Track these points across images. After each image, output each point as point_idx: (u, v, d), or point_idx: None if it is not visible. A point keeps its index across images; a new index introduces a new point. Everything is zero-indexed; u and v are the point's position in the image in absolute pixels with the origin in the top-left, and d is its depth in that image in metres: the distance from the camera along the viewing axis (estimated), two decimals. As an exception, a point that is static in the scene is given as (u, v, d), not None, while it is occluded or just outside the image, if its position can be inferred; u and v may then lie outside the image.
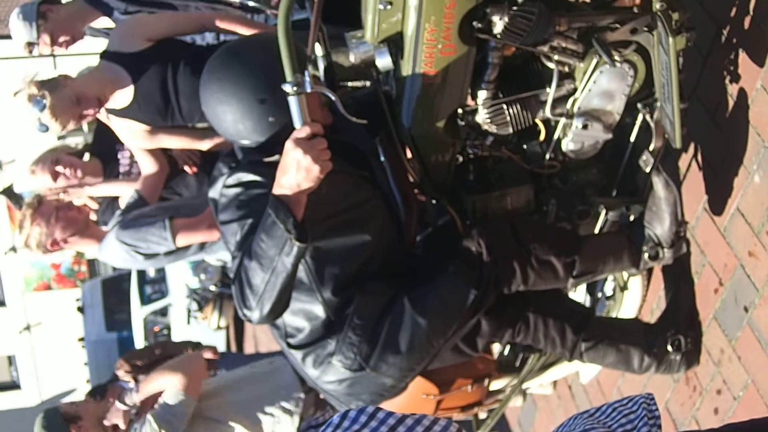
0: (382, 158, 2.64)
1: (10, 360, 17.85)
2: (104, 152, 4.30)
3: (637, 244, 2.70)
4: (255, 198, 2.27)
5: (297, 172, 2.12)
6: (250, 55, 2.33)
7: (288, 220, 2.12)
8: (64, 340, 15.92)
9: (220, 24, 3.66)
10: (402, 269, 2.57)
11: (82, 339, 13.27)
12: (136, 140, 3.67)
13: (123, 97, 3.49)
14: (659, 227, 2.68)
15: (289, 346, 2.51)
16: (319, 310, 2.46)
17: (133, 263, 3.52)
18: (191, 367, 3.26)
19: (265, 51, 2.30)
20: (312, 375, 2.52)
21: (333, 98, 2.18)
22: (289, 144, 2.13)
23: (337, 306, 2.45)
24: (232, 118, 2.31)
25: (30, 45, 3.87)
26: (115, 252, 3.48)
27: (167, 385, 3.17)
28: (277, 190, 2.16)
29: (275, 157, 2.25)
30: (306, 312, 2.45)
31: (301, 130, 2.13)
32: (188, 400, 3.14)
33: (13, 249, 15.62)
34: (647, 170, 2.65)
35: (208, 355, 3.50)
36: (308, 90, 2.10)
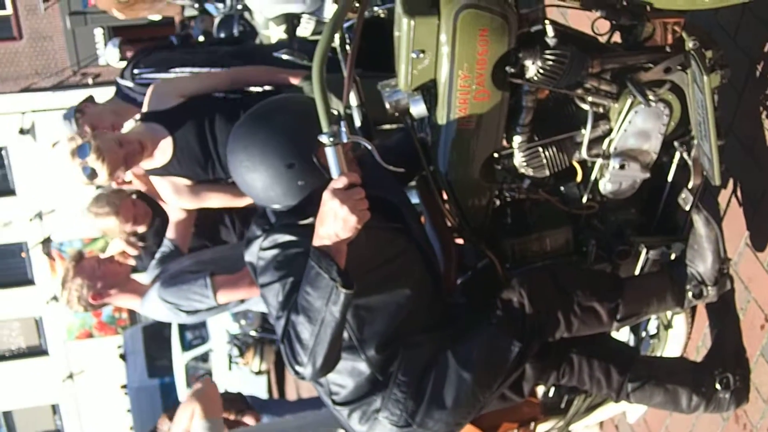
0: (419, 204, 2.65)
1: (54, 409, 17.98)
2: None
3: (679, 283, 2.67)
4: (293, 258, 2.28)
5: (335, 222, 2.13)
6: (274, 120, 2.34)
7: (331, 269, 2.13)
8: (107, 387, 16.03)
9: (250, 78, 3.72)
10: (444, 318, 2.56)
11: (124, 386, 13.36)
12: (180, 198, 3.70)
13: (163, 154, 3.54)
14: (702, 265, 2.65)
15: (334, 403, 2.50)
16: (363, 367, 2.44)
17: (176, 318, 3.55)
18: (202, 392, 3.29)
19: (290, 114, 2.34)
20: (358, 431, 2.51)
21: (370, 148, 2.20)
22: (326, 195, 2.14)
23: (382, 363, 2.44)
24: (262, 185, 2.33)
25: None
26: (157, 309, 3.51)
27: (188, 419, 3.19)
28: (317, 241, 2.17)
29: (309, 220, 2.27)
30: (349, 369, 2.44)
31: (338, 181, 2.14)
32: (214, 423, 3.16)
33: (55, 298, 15.79)
34: (687, 208, 2.63)
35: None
36: (344, 140, 2.12)
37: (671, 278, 2.68)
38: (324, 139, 2.13)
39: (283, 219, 2.39)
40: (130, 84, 3.97)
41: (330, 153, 2.15)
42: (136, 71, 4.04)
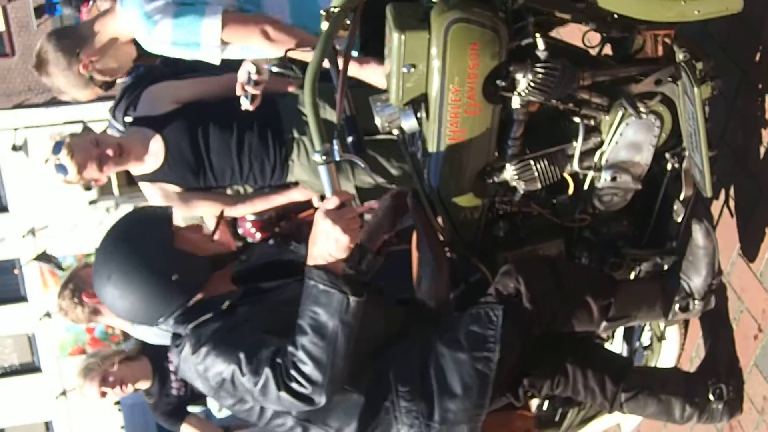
0: (411, 220, 2.65)
1: (48, 426, 17.88)
2: (157, 358, 4.34)
3: (669, 293, 2.67)
4: (226, 335, 2.27)
5: (327, 242, 2.14)
6: (128, 252, 2.36)
7: (338, 282, 2.13)
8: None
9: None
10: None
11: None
12: (169, 204, 3.69)
13: (154, 159, 3.53)
14: (695, 278, 2.64)
15: None
16: (356, 398, 2.38)
17: (165, 339, 3.53)
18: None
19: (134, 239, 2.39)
20: None
21: (362, 165, 2.21)
22: (318, 215, 2.14)
23: (374, 383, 2.40)
24: (144, 304, 2.35)
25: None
26: (148, 330, 3.50)
27: None
28: (311, 261, 2.17)
29: (197, 297, 2.35)
30: (345, 408, 2.37)
31: (330, 201, 2.14)
32: None
33: (48, 315, 15.75)
34: (678, 220, 2.63)
35: None
36: (337, 158, 2.13)
37: (663, 288, 2.68)
38: (317, 157, 2.14)
39: (180, 321, 2.38)
40: (121, 128, 3.87)
41: (323, 172, 2.16)
42: (127, 119, 3.79)
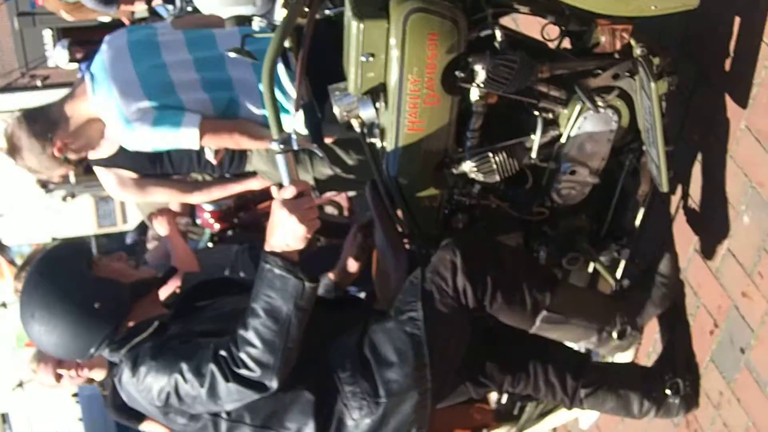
0: (371, 209, 2.63)
1: (4, 418, 17.63)
2: None
3: (610, 311, 2.66)
4: (164, 349, 2.26)
5: (284, 232, 2.13)
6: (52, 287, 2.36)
7: (295, 269, 2.13)
8: (58, 396, 15.76)
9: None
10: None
11: (75, 394, 13.11)
12: (125, 191, 3.65)
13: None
14: (650, 307, 2.70)
15: None
16: (308, 396, 2.36)
17: None
18: None
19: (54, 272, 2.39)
20: None
21: (320, 155, 2.19)
22: (275, 204, 2.13)
23: (318, 379, 2.37)
24: (70, 337, 2.34)
25: (41, 181, 3.85)
26: None
27: None
28: (268, 248, 2.16)
29: (128, 324, 2.37)
30: (299, 407, 2.35)
31: (287, 190, 2.13)
32: None
33: (4, 305, 15.52)
34: (635, 214, 2.64)
35: None
36: (295, 147, 2.11)
37: (606, 303, 2.69)
38: (274, 146, 2.12)
39: (117, 347, 2.37)
40: None
41: (280, 160, 2.14)
42: None
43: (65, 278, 2.36)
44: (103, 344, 2.36)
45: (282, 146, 2.12)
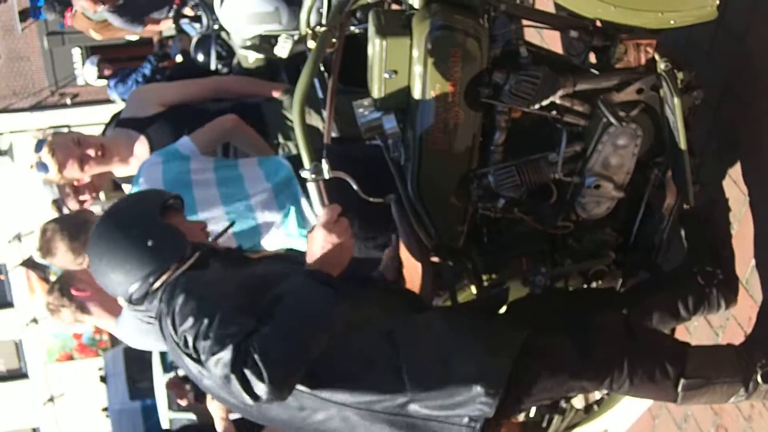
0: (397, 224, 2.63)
1: (35, 432, 17.80)
2: None
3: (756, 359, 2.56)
4: (204, 283, 2.25)
5: (331, 252, 2.19)
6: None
7: (332, 283, 2.16)
8: (88, 410, 15.85)
9: (232, 88, 3.71)
10: None
11: (105, 409, 13.22)
12: None
13: (138, 161, 3.51)
14: None
15: None
16: None
17: (148, 339, 3.48)
18: None
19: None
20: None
21: (353, 185, 2.22)
22: (319, 229, 2.19)
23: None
24: (119, 265, 2.34)
25: (56, 203, 3.91)
26: (131, 333, 3.47)
27: None
28: (317, 266, 2.19)
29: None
30: None
31: (327, 215, 2.19)
32: None
33: (35, 320, 15.66)
34: (660, 228, 2.63)
35: None
36: (326, 176, 2.15)
37: (747, 348, 2.61)
38: (306, 174, 2.16)
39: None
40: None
41: (312, 188, 2.19)
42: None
43: (131, 211, 2.44)
44: (144, 284, 2.33)
45: (314, 175, 2.16)
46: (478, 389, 2.22)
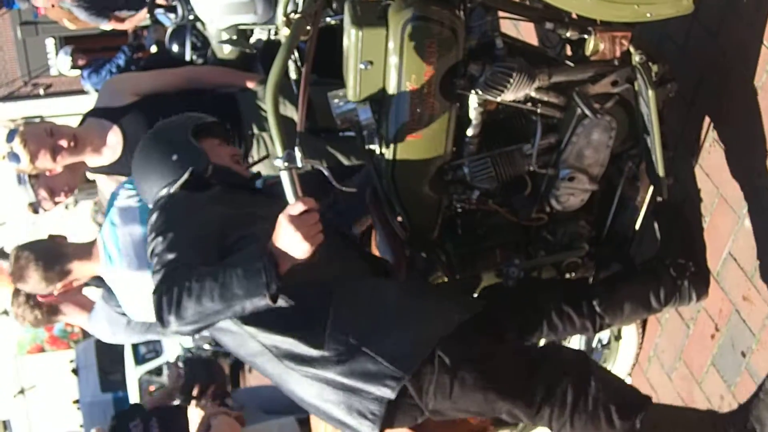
0: (372, 215, 2.63)
1: (5, 425, 17.64)
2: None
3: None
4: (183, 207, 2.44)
5: (289, 246, 2.12)
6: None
7: (273, 281, 2.10)
8: (59, 402, 15.75)
9: (206, 78, 3.69)
10: None
11: (77, 401, 13.14)
12: None
13: (111, 151, 3.48)
14: None
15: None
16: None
17: (120, 335, 3.46)
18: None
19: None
20: None
21: (326, 173, 2.19)
22: (282, 219, 2.12)
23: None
24: (146, 173, 2.63)
25: (32, 205, 3.88)
26: (102, 328, 3.45)
27: None
28: (271, 247, 2.14)
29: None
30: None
31: (294, 207, 2.12)
32: None
33: (5, 312, 15.53)
34: (634, 220, 2.64)
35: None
36: (299, 165, 2.11)
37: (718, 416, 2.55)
38: (278, 163, 2.13)
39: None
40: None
41: (285, 177, 2.14)
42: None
43: (169, 128, 2.70)
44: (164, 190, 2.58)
45: (286, 163, 2.13)
46: (385, 367, 2.27)
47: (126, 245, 3.12)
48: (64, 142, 3.36)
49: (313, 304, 2.34)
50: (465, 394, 2.34)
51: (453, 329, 2.33)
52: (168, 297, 2.12)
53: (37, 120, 3.96)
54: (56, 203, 3.81)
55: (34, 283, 3.20)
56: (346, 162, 3.48)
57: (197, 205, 2.43)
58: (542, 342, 2.69)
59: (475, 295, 2.76)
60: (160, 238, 2.29)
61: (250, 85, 3.62)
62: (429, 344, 2.31)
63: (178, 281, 2.13)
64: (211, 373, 5.18)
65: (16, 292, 3.47)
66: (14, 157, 3.32)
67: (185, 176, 2.53)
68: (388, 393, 2.28)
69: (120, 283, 3.17)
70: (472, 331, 2.38)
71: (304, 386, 2.36)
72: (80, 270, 3.23)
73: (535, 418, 2.39)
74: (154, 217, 2.40)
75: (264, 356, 2.38)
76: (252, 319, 2.28)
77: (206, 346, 9.43)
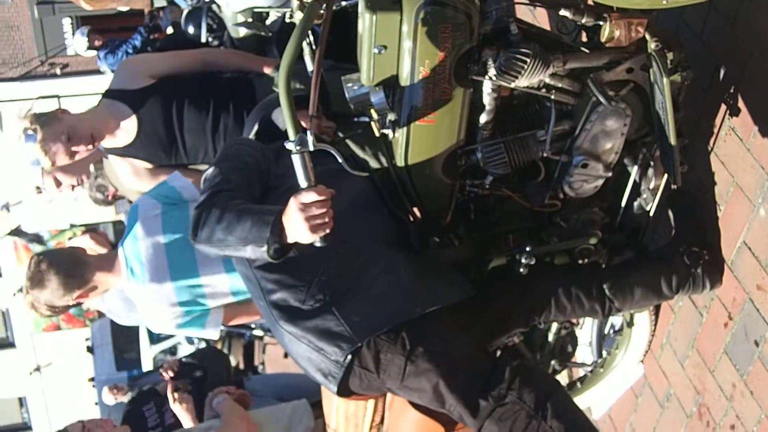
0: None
1: (21, 402, 17.80)
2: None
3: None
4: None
5: (295, 232, 2.17)
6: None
7: (275, 240, 2.19)
8: (75, 380, 15.88)
9: (222, 61, 3.69)
10: None
11: (92, 379, 13.23)
12: (140, 181, 3.67)
13: (126, 134, 3.50)
14: None
15: None
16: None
17: (134, 316, 3.50)
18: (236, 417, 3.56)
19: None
20: None
21: (337, 156, 2.19)
22: (292, 203, 2.15)
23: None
24: None
25: (38, 188, 3.94)
26: (114, 305, 3.48)
27: None
28: (281, 218, 2.21)
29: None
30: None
31: (306, 195, 2.14)
32: None
33: (22, 290, 15.62)
34: (647, 208, 2.63)
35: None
36: (311, 148, 2.11)
37: None
38: (290, 146, 2.12)
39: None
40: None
41: (297, 160, 2.14)
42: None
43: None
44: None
45: (298, 147, 2.12)
46: (345, 330, 2.35)
47: (149, 257, 3.19)
48: (82, 148, 3.40)
49: (310, 258, 2.39)
50: (416, 380, 2.36)
51: (426, 312, 2.35)
52: (198, 214, 2.33)
53: (54, 100, 3.97)
54: (72, 187, 3.86)
55: (52, 288, 3.21)
56: (359, 151, 3.48)
57: (259, 150, 2.57)
58: (552, 334, 2.70)
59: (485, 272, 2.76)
60: (215, 168, 2.46)
61: (267, 70, 3.61)
62: (392, 320, 2.34)
63: (214, 204, 2.33)
64: (218, 369, 5.18)
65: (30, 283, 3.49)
66: (36, 162, 3.40)
67: (256, 127, 2.74)
68: (338, 354, 2.35)
69: (141, 297, 3.24)
70: (453, 322, 2.42)
71: (294, 345, 2.46)
72: (100, 281, 3.27)
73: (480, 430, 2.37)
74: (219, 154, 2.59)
75: (260, 304, 2.52)
76: (260, 263, 2.45)
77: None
